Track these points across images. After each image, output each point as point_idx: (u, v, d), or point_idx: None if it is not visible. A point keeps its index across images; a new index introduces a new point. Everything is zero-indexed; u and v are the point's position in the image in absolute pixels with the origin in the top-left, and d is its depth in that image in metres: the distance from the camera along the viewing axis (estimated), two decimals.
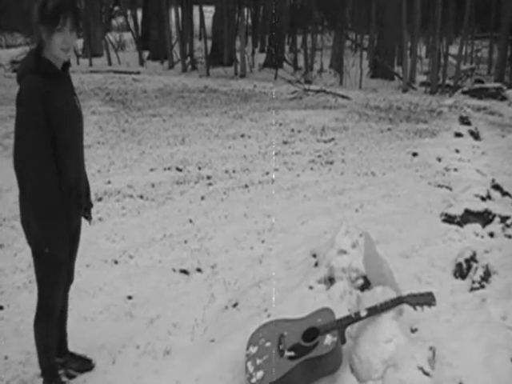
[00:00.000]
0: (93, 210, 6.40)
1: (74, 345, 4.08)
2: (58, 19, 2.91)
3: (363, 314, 3.59)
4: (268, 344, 3.70)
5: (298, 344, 3.60)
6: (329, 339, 3.49)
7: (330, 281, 4.58)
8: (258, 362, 3.60)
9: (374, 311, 3.60)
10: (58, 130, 3.03)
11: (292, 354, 3.54)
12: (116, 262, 5.37)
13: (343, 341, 3.66)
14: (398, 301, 3.64)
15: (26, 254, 5.42)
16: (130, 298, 4.76)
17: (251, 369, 3.57)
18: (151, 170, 8.01)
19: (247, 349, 3.77)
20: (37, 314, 3.54)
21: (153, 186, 7.33)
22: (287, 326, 3.80)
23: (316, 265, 4.87)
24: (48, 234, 3.13)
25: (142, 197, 6.95)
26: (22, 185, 3.07)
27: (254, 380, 3.48)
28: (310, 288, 4.57)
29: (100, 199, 6.86)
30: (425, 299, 3.63)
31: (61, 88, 3.12)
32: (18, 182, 3.07)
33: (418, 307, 3.64)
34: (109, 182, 7.44)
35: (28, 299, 4.68)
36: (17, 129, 2.98)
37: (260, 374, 3.50)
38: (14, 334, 4.24)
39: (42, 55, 3.02)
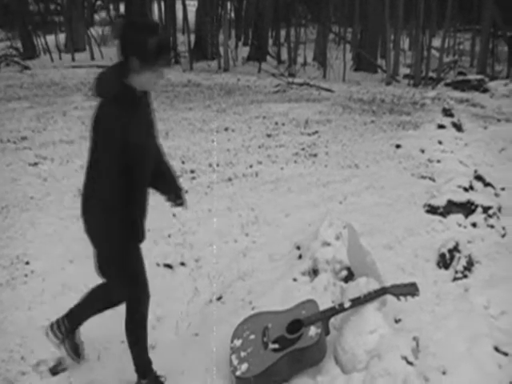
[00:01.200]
0: (76, 206, 6.41)
1: None
2: (158, 60, 2.97)
3: (347, 305, 3.60)
4: (252, 337, 3.71)
5: (282, 336, 3.61)
6: (313, 331, 3.50)
7: (314, 273, 4.59)
8: (243, 354, 3.60)
9: (358, 302, 3.61)
10: (133, 161, 3.06)
11: (276, 346, 3.55)
12: None
13: (327, 332, 3.67)
14: (382, 292, 3.65)
15: (9, 251, 5.41)
16: None
17: (235, 362, 3.58)
18: None
19: (232, 342, 3.77)
20: (131, 318, 3.56)
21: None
22: (271, 318, 3.81)
23: (300, 257, 4.88)
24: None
25: None
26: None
27: (238, 373, 3.48)
28: (294, 280, 4.59)
29: None
30: (408, 290, 3.64)
31: (140, 117, 3.14)
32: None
33: (402, 298, 3.65)
34: None
35: (11, 297, 4.66)
36: (92, 154, 3.07)
37: (244, 366, 3.51)
38: None
39: (127, 82, 3.01)
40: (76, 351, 3.87)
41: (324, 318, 3.60)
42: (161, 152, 3.58)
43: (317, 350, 3.51)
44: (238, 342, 3.73)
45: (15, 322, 4.34)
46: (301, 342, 3.49)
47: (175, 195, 3.75)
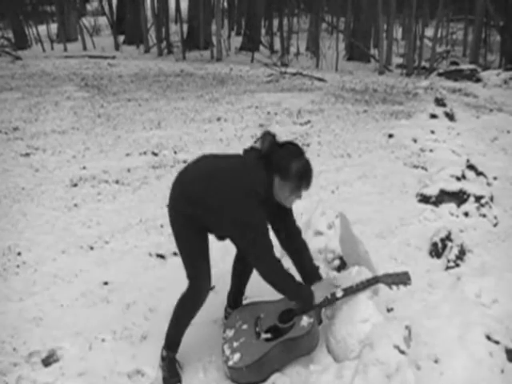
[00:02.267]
0: (67, 197, 6.42)
1: (50, 333, 4.07)
2: (303, 186, 3.37)
3: (339, 294, 3.59)
4: (245, 326, 3.70)
5: (274, 326, 3.60)
6: (305, 320, 3.49)
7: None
8: (235, 344, 3.59)
9: (350, 291, 3.60)
10: None
11: (268, 335, 3.54)
12: (92, 248, 5.34)
13: (320, 321, 3.67)
14: (374, 281, 3.64)
15: (0, 242, 5.39)
16: (106, 283, 4.73)
17: (228, 352, 3.57)
18: (127, 154, 7.95)
19: (224, 332, 3.77)
20: (185, 296, 3.65)
21: (128, 170, 7.28)
22: (264, 307, 3.80)
23: None
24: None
25: (117, 182, 6.90)
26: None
27: (230, 363, 3.48)
28: (287, 269, 4.57)
29: (75, 185, 6.81)
30: (400, 279, 3.64)
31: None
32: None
33: (394, 287, 3.64)
34: (84, 168, 7.38)
35: (2, 288, 4.65)
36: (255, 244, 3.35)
37: (237, 356, 3.49)
38: None
39: (273, 191, 3.37)
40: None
41: (316, 307, 3.59)
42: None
43: (309, 340, 3.50)
44: (230, 332, 3.73)
45: (7, 313, 4.33)
46: (293, 331, 3.48)
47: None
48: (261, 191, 3.26)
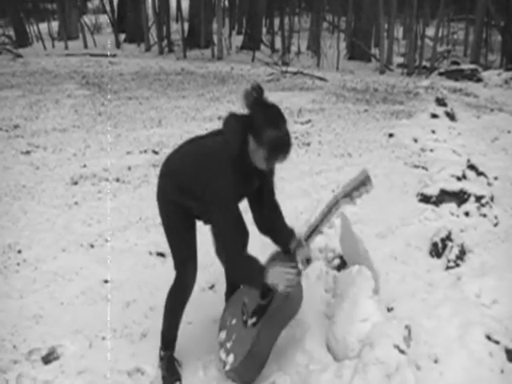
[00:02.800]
0: (68, 195, 6.42)
1: (51, 331, 4.08)
2: (273, 155, 3.06)
3: (304, 240, 3.52)
4: (234, 321, 3.67)
5: (258, 305, 3.54)
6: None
7: (307, 261, 4.58)
8: (228, 345, 3.57)
9: (315, 229, 3.49)
10: None
11: (254, 320, 3.48)
12: (92, 246, 5.34)
13: (299, 273, 3.48)
14: (334, 202, 3.46)
15: (0, 240, 5.40)
16: (106, 281, 4.74)
17: (223, 356, 3.55)
18: (127, 153, 7.95)
19: (218, 336, 3.75)
20: (172, 290, 3.66)
21: (129, 169, 7.28)
22: (247, 290, 3.73)
23: None
24: None
25: (118, 180, 6.90)
26: None
27: (227, 367, 3.47)
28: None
29: (75, 183, 6.81)
30: (359, 184, 3.38)
31: (250, 180, 3.32)
32: None
33: (357, 199, 3.44)
34: (84, 166, 7.38)
35: (2, 285, 4.66)
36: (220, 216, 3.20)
37: (231, 357, 3.47)
38: None
39: (248, 156, 3.14)
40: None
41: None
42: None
43: (291, 303, 3.42)
44: (223, 335, 3.70)
45: (7, 310, 4.33)
46: (275, 301, 3.41)
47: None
48: (234, 156, 3.12)
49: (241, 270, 3.31)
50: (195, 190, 3.24)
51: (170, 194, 3.45)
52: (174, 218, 3.50)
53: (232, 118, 3.26)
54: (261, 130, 3.02)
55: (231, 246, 3.24)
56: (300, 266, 3.47)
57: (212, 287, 4.62)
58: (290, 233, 3.63)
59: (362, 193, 3.35)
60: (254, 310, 3.53)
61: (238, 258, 3.27)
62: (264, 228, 3.67)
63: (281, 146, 3.06)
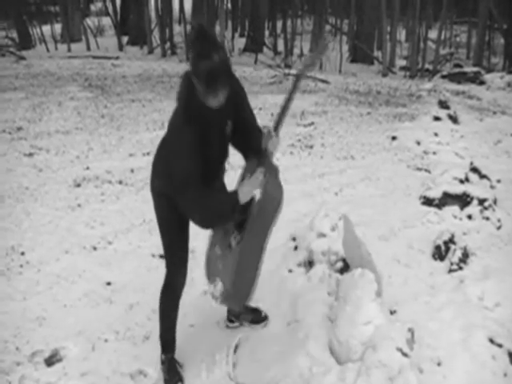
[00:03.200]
0: (71, 197, 6.42)
1: (53, 333, 4.08)
2: (210, 85, 2.87)
3: (274, 130, 3.27)
4: (219, 251, 3.49)
5: (239, 222, 3.34)
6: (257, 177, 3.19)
7: (310, 264, 4.59)
8: (216, 278, 3.42)
9: (282, 115, 3.30)
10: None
11: (238, 237, 3.33)
12: (95, 249, 5.35)
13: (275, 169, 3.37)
14: (298, 80, 3.37)
15: (4, 242, 5.41)
16: (109, 284, 4.75)
17: (212, 289, 3.41)
18: (130, 155, 7.96)
19: (208, 280, 3.59)
20: (162, 290, 3.66)
21: (132, 171, 7.29)
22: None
23: (296, 248, 4.88)
24: None
25: (120, 182, 6.91)
26: None
27: (218, 295, 3.34)
28: (290, 271, 4.59)
29: (78, 185, 6.82)
30: (318, 57, 3.38)
31: (213, 127, 3.14)
32: None
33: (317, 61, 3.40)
34: (87, 168, 7.39)
35: (6, 287, 4.67)
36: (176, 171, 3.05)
37: (219, 285, 3.34)
38: None
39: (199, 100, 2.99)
40: (256, 317, 4.15)
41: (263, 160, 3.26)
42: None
43: (270, 200, 3.27)
44: (211, 273, 3.54)
45: (10, 312, 4.34)
46: (253, 208, 3.23)
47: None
48: (183, 112, 3.05)
49: (213, 211, 3.15)
50: (163, 169, 3.26)
51: (155, 184, 3.43)
52: (167, 214, 3.46)
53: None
54: (196, 67, 2.86)
55: (190, 183, 3.05)
56: (273, 159, 3.32)
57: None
58: (260, 136, 3.37)
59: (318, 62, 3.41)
60: (237, 226, 3.36)
61: (205, 202, 3.10)
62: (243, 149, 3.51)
63: (214, 76, 2.84)
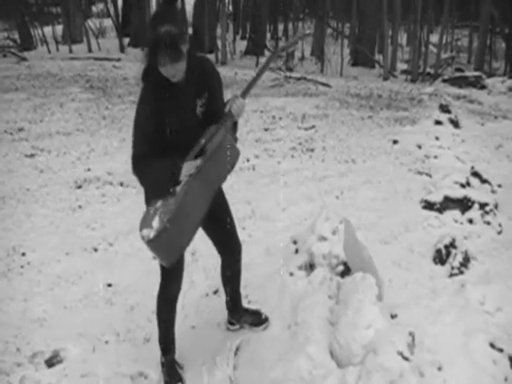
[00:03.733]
0: (72, 198, 6.42)
1: (54, 334, 4.08)
2: (157, 57, 2.92)
3: (241, 96, 3.28)
4: (159, 204, 3.18)
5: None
6: (218, 136, 3.20)
7: (311, 267, 4.59)
8: (153, 222, 3.11)
9: (253, 83, 3.32)
10: (162, 140, 3.20)
11: (186, 178, 3.15)
12: (96, 250, 5.35)
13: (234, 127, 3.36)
14: (274, 56, 3.46)
15: (5, 242, 5.41)
16: (109, 285, 4.75)
17: (146, 232, 3.09)
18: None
19: (140, 230, 3.18)
20: (158, 295, 3.66)
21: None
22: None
23: (296, 251, 4.88)
24: None
25: (122, 184, 6.91)
26: None
27: (150, 235, 3.06)
28: (291, 274, 4.59)
29: (80, 187, 6.82)
30: (295, 38, 3.49)
31: (176, 102, 3.16)
32: None
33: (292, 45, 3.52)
34: (88, 170, 7.40)
35: (7, 288, 4.67)
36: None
37: (155, 223, 3.08)
38: None
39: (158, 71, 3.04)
40: (257, 319, 4.17)
41: (222, 124, 3.22)
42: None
43: (227, 144, 3.21)
44: (145, 222, 3.17)
45: (11, 313, 4.35)
46: (206, 153, 3.17)
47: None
48: (144, 82, 3.15)
49: (141, 175, 3.21)
50: None
51: None
52: None
53: None
54: (149, 38, 2.93)
55: (133, 150, 3.23)
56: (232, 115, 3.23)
57: (216, 292, 4.61)
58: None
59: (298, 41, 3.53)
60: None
61: (137, 165, 3.20)
62: None
63: (158, 44, 2.87)
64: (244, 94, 3.27)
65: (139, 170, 3.18)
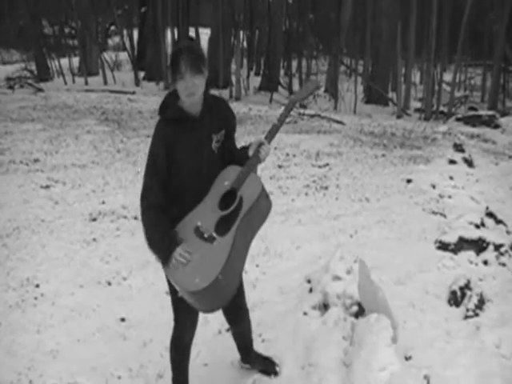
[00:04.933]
0: (86, 231, 6.44)
1: (67, 367, 4.07)
2: (176, 68, 2.98)
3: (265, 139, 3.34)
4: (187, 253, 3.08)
5: (221, 218, 3.15)
6: (252, 181, 3.21)
7: (325, 307, 4.57)
8: (188, 270, 3.03)
9: (276, 129, 3.40)
10: (173, 176, 3.16)
11: (224, 229, 3.11)
12: (109, 284, 5.35)
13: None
14: (292, 104, 3.48)
15: (19, 273, 5.43)
16: (123, 320, 4.74)
17: (180, 281, 3.03)
18: None
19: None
20: (170, 340, 3.64)
21: None
22: (195, 216, 3.21)
23: (311, 290, 4.87)
24: None
25: (136, 218, 6.92)
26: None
27: (192, 288, 2.97)
28: (305, 314, 4.57)
29: (94, 219, 6.85)
30: (310, 88, 3.53)
31: (192, 134, 3.17)
32: None
33: (308, 95, 3.56)
34: (103, 203, 7.43)
35: (20, 319, 4.67)
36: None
37: (196, 279, 2.97)
38: (6, 354, 4.22)
39: (178, 104, 3.12)
40: (268, 367, 4.08)
41: (251, 168, 3.25)
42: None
43: (265, 194, 3.24)
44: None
45: (24, 344, 4.34)
46: (246, 202, 3.14)
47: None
48: (165, 110, 3.16)
49: (145, 228, 3.23)
50: None
51: None
52: None
53: None
54: (171, 53, 3.10)
55: (142, 193, 3.18)
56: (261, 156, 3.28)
57: (229, 330, 4.59)
58: (244, 149, 3.40)
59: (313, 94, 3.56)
60: (218, 222, 3.13)
61: (145, 211, 3.19)
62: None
63: (177, 55, 2.98)
64: (269, 140, 3.33)
65: (145, 222, 3.22)
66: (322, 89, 23.90)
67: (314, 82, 3.56)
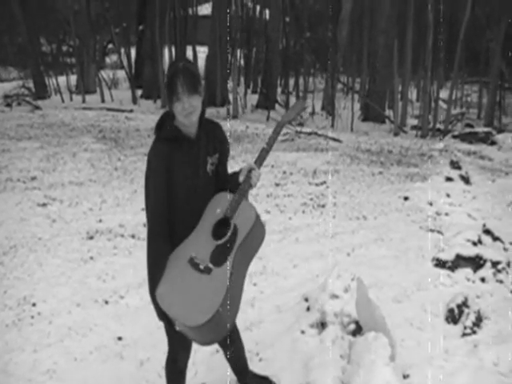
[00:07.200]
0: (84, 249, 6.44)
1: None
2: (173, 89, 2.96)
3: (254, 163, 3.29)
4: (182, 286, 3.04)
5: (216, 248, 3.06)
6: (244, 210, 3.16)
7: (322, 325, 4.56)
8: (186, 305, 2.96)
9: (265, 154, 3.33)
10: (172, 195, 3.14)
11: (220, 259, 3.02)
12: (107, 302, 5.34)
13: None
14: (280, 126, 3.42)
15: (15, 291, 5.41)
16: (120, 338, 4.72)
17: (179, 315, 2.94)
18: (143, 209, 7.94)
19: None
20: (165, 362, 3.60)
21: (144, 225, 7.25)
22: (187, 248, 3.13)
23: (308, 309, 4.86)
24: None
25: (133, 236, 6.93)
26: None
27: (191, 323, 2.87)
28: (302, 332, 4.56)
29: (91, 238, 6.84)
30: (298, 108, 3.55)
31: (188, 155, 3.15)
32: None
33: (297, 117, 3.62)
34: (100, 221, 7.43)
35: (17, 338, 4.65)
36: (144, 185, 3.23)
37: (194, 313, 2.89)
38: (3, 374, 4.20)
39: (174, 121, 3.11)
40: None
41: (243, 195, 3.20)
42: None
43: (260, 222, 3.21)
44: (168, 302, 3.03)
45: (20, 363, 4.32)
46: (241, 230, 3.08)
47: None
48: (158, 133, 3.15)
49: (148, 248, 3.24)
50: None
51: None
52: None
53: None
54: (168, 72, 3.06)
55: (149, 225, 3.22)
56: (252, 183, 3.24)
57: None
58: (235, 174, 3.36)
59: (301, 115, 3.54)
60: (213, 253, 3.04)
61: (151, 244, 3.21)
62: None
63: (176, 72, 2.96)
64: (259, 165, 3.29)
65: (151, 251, 3.22)
66: (319, 106, 23.99)
67: (301, 102, 3.57)
